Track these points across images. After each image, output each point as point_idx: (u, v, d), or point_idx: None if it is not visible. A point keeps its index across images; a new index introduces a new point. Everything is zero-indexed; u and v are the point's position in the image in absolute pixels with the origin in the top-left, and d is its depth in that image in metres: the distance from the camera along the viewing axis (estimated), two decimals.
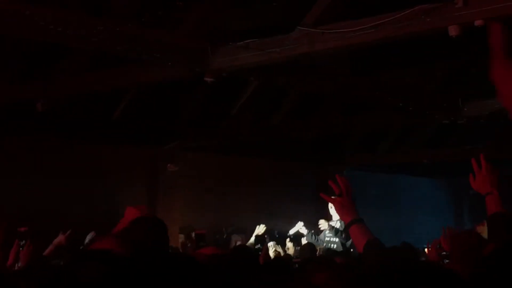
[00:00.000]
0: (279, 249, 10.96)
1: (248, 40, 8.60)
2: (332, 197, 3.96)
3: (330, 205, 11.06)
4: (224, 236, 13.89)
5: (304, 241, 11.54)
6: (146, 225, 3.92)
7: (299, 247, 11.21)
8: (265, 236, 11.18)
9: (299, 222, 11.86)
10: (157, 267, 2.86)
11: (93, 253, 2.67)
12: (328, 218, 11.52)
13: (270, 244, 11.23)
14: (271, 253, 10.30)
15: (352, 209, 3.91)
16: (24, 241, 5.99)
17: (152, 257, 3.38)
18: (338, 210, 3.93)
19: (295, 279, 3.73)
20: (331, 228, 11.18)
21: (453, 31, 7.30)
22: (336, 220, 11.20)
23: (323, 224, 11.33)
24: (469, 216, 20.24)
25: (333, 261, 4.16)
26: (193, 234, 12.41)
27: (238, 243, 12.57)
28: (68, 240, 6.81)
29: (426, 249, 8.94)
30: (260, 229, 10.58)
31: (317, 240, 11.37)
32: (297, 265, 7.43)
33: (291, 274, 4.32)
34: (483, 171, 4.07)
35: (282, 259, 8.19)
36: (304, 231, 11.68)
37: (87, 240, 8.46)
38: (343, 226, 10.91)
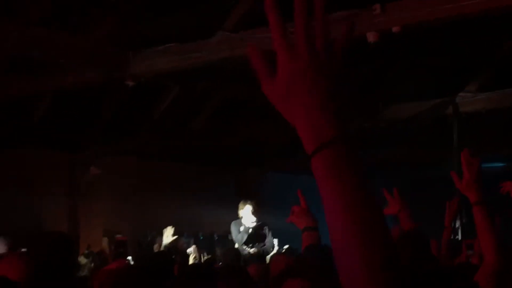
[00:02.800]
0: (200, 254, 10.80)
1: (168, 45, 8.46)
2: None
3: (240, 208, 11.02)
4: (148, 239, 13.64)
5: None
6: (49, 241, 3.63)
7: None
8: (178, 240, 10.87)
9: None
10: None
11: None
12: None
13: (191, 250, 11.02)
14: (191, 259, 10.10)
15: (308, 219, 4.61)
16: None
17: (54, 278, 3.15)
18: (296, 218, 4.67)
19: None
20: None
21: (371, 37, 7.28)
22: (248, 227, 11.05)
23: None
24: None
25: (242, 271, 4.29)
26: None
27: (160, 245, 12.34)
28: None
29: None
30: (168, 232, 10.27)
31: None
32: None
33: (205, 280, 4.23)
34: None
35: (192, 267, 8.00)
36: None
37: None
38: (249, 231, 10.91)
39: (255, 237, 10.97)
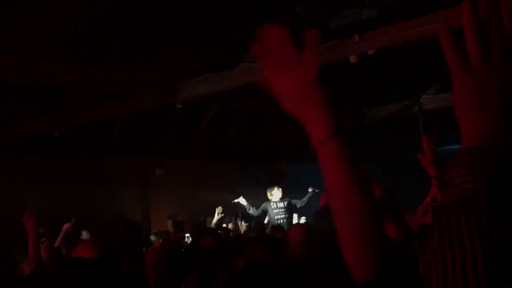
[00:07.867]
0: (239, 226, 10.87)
1: (205, 75, 8.47)
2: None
3: (269, 191, 11.15)
4: (201, 219, 13.67)
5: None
6: (119, 228, 3.55)
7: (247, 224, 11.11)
8: (223, 218, 10.91)
9: (241, 197, 11.71)
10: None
11: (72, 260, 2.45)
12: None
13: (230, 225, 11.10)
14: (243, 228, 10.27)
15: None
16: (42, 239, 5.58)
17: (125, 257, 3.11)
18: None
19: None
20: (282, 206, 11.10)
21: (353, 59, 7.26)
22: (275, 201, 11.16)
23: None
24: None
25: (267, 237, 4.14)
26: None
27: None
28: (72, 226, 6.52)
29: None
30: (218, 210, 10.33)
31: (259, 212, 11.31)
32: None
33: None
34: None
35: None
36: (243, 202, 11.58)
37: (83, 236, 7.98)
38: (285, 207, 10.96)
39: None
